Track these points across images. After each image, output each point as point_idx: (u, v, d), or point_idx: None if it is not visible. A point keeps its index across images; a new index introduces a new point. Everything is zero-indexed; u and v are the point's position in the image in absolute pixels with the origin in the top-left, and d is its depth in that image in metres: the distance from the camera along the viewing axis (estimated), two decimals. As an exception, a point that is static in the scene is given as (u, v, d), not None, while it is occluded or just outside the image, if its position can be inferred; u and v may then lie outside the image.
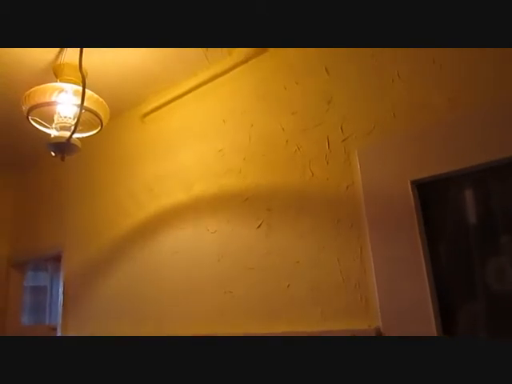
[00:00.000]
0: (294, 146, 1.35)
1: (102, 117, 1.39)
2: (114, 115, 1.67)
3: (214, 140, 1.59)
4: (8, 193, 2.56)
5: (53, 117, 1.38)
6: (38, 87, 1.31)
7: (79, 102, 1.26)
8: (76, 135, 1.34)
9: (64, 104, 1.34)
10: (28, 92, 1.31)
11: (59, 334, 2.00)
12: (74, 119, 1.35)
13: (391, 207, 1.10)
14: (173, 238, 1.63)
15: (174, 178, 1.69)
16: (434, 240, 1.05)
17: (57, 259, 2.24)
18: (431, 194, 1.08)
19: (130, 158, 1.90)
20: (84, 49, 1.29)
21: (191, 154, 1.65)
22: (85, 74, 1.29)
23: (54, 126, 1.38)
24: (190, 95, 1.71)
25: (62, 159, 1.37)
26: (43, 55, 1.46)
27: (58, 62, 1.44)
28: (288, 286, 1.27)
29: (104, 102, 1.39)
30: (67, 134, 1.31)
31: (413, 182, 1.08)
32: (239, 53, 1.54)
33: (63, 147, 1.34)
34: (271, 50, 1.47)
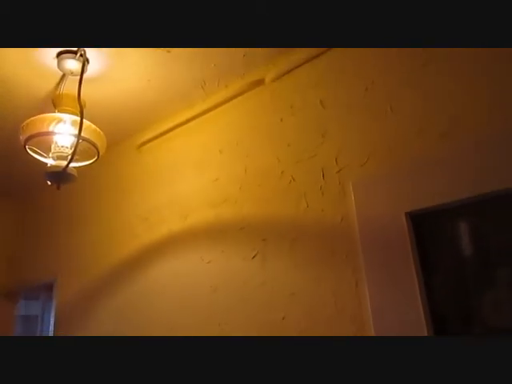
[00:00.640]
0: (289, 177, 1.36)
1: (99, 147, 1.40)
2: (111, 144, 1.68)
3: (210, 170, 1.60)
4: (3, 222, 2.54)
5: (50, 146, 1.38)
6: (36, 117, 1.32)
7: (77, 131, 1.27)
8: (73, 164, 1.34)
9: (61, 134, 1.35)
10: (26, 122, 1.32)
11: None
12: (70, 149, 1.36)
13: (386, 239, 1.10)
14: (167, 267, 1.62)
15: (170, 208, 1.69)
16: (430, 272, 1.05)
17: (49, 288, 2.21)
18: (426, 226, 1.08)
19: (126, 188, 1.90)
20: (83, 79, 1.31)
21: (187, 183, 1.66)
22: (83, 105, 1.31)
23: (50, 155, 1.38)
24: (186, 126, 1.73)
25: (58, 188, 1.36)
26: (43, 85, 1.49)
27: (57, 93, 1.46)
28: (283, 318, 1.26)
29: (101, 133, 1.40)
30: (64, 163, 1.31)
31: (408, 214, 1.08)
32: (235, 85, 1.58)
33: (59, 176, 1.34)
34: (267, 82, 1.50)
